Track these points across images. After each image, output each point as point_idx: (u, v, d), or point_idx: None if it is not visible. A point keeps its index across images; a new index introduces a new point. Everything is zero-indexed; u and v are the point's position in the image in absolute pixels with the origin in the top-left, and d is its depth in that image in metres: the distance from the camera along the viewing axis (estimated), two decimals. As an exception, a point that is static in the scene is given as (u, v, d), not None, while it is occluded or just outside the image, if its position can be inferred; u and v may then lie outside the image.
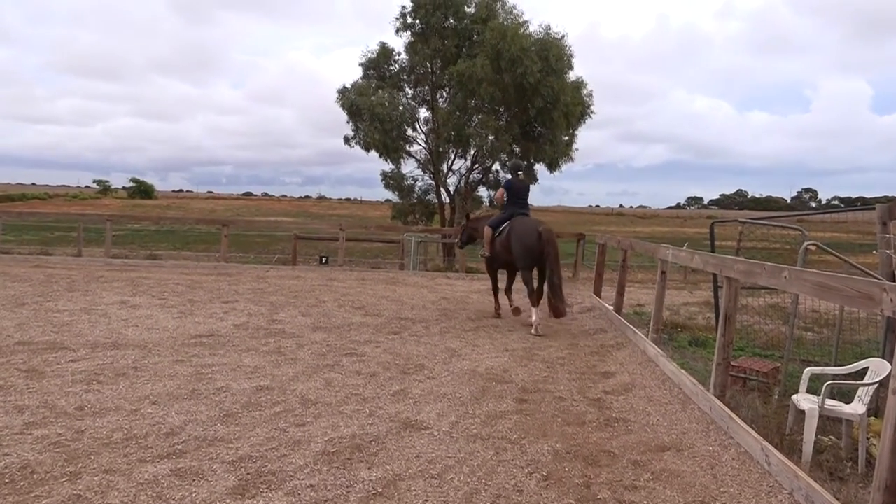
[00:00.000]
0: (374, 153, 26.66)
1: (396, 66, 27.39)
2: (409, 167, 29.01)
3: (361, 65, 27.32)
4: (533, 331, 9.09)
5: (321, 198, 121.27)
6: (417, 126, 27.78)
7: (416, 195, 28.65)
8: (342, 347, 7.59)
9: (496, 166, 27.89)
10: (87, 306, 9.64)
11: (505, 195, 10.06)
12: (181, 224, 35.25)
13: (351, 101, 25.65)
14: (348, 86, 26.51)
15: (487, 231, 10.18)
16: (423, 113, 28.06)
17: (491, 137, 25.27)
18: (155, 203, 73.69)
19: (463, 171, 28.37)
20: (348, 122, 26.53)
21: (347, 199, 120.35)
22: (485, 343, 8.26)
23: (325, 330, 8.62)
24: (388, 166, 27.97)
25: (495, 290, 10.72)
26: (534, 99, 24.07)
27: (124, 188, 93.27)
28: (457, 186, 28.38)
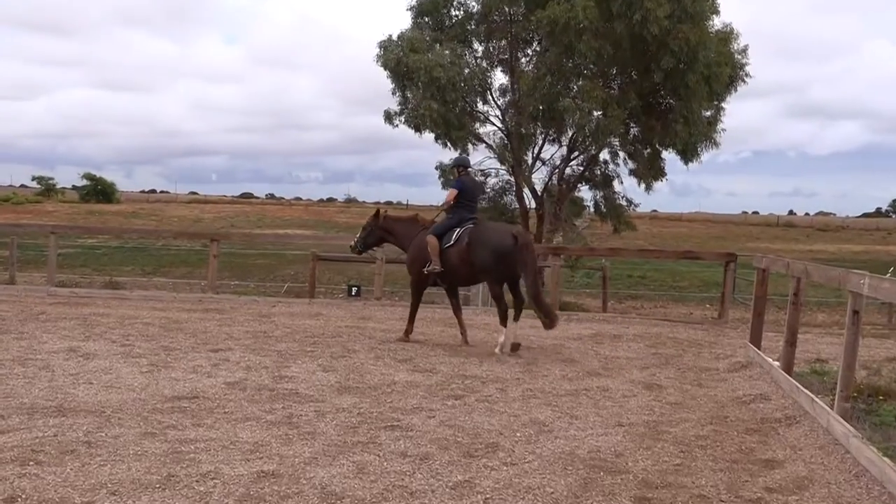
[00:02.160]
0: (427, 135, 26.74)
1: (461, 11, 27.50)
2: (478, 156, 29.01)
3: (411, 8, 27.49)
4: (498, 350, 11.25)
5: (350, 201, 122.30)
6: (491, 96, 27.85)
7: (487, 196, 28.64)
8: (380, 417, 7.62)
9: (605, 154, 27.76)
10: (21, 355, 9.92)
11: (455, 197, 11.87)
12: (153, 239, 36.14)
13: (397, 58, 25.69)
14: (394, 36, 26.56)
15: (433, 241, 11.75)
16: (499, 78, 28.11)
17: (597, 113, 25.12)
18: (117, 209, 75.65)
19: (556, 161, 28.35)
20: (393, 92, 26.62)
21: (388, 203, 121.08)
22: (588, 413, 8.17)
23: (356, 392, 8.68)
24: (447, 154, 28.03)
25: (415, 312, 12.60)
26: (660, 56, 23.88)
27: (75, 188, 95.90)
28: (546, 184, 28.36)
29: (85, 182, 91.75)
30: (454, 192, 12.11)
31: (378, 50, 26.28)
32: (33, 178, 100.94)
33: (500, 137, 28.03)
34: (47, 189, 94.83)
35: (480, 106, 27.84)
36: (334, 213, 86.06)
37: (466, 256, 11.52)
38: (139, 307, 14.91)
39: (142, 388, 8.44)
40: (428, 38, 26.32)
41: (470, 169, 12.30)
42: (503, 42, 27.69)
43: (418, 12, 27.41)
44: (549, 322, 11.39)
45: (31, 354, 9.99)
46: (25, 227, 29.37)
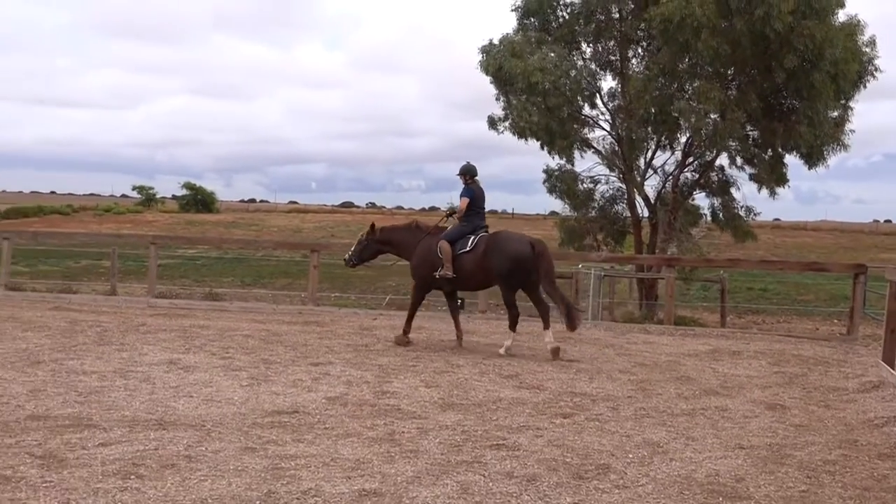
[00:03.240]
0: (532, 142, 26.73)
1: (567, 10, 27.41)
2: (586, 163, 28.85)
3: (516, 10, 27.52)
4: (503, 351, 12.31)
5: (454, 210, 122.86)
6: (599, 101, 27.68)
7: (596, 205, 28.48)
8: (485, 435, 7.63)
9: (722, 160, 27.28)
10: (123, 367, 10.24)
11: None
12: (253, 249, 36.82)
13: (499, 63, 25.79)
14: (496, 40, 26.67)
15: (446, 246, 12.54)
16: (608, 82, 27.93)
17: (714, 115, 24.72)
18: (217, 219, 77.38)
19: (669, 168, 28.00)
20: (497, 97, 26.73)
21: (492, 212, 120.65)
22: (705, 434, 8.04)
23: (460, 408, 8.71)
24: (554, 161, 27.96)
25: (413, 314, 13.32)
26: (782, 55, 23.37)
27: (174, 197, 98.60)
28: (660, 192, 28.01)
29: (184, 191, 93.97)
30: (466, 200, 12.85)
31: (480, 55, 26.42)
32: (133, 188, 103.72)
33: (610, 143, 27.81)
34: (147, 199, 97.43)
35: (588, 110, 27.67)
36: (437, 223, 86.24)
37: (483, 263, 12.35)
38: (239, 319, 15.22)
39: (242, 401, 8.61)
40: (533, 40, 26.27)
41: (476, 177, 13.06)
42: (611, 43, 27.50)
43: (523, 13, 27.40)
44: (574, 322, 12.44)
45: (131, 366, 10.29)
46: (126, 237, 30.38)
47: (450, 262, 12.47)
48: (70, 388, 8.95)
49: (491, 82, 26.42)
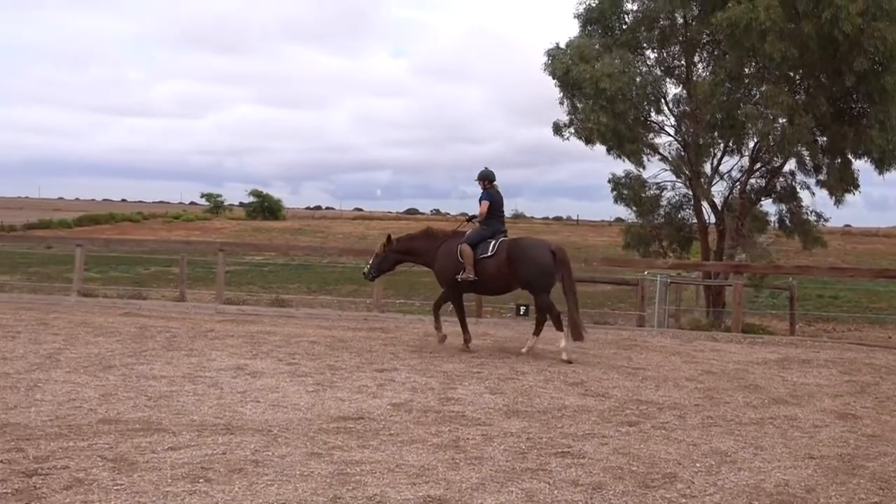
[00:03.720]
0: (598, 147, 26.62)
1: (630, 16, 27.29)
2: (652, 169, 28.68)
3: (578, 16, 27.46)
4: (565, 356, 12.29)
5: (518, 216, 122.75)
6: (664, 106, 27.48)
7: (663, 211, 28.27)
8: (550, 443, 7.60)
9: (790, 165, 26.87)
10: (191, 372, 10.39)
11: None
12: (319, 256, 37.12)
13: (566, 67, 25.69)
14: (562, 44, 26.56)
15: (467, 250, 12.80)
16: (673, 87, 27.72)
17: (782, 120, 24.40)
18: (283, 226, 78.21)
19: (736, 173, 27.66)
20: (561, 102, 26.66)
21: (557, 219, 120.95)
22: (775, 443, 7.92)
23: (525, 415, 8.69)
24: (620, 167, 27.95)
25: (463, 319, 13.65)
26: (852, 58, 22.96)
27: (242, 205, 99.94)
28: (726, 198, 27.68)
29: (252, 199, 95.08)
30: (487, 203, 13.15)
31: (546, 58, 26.33)
32: (202, 195, 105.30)
33: (676, 149, 27.58)
34: (215, 206, 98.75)
35: (654, 115, 27.49)
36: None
37: (506, 269, 12.72)
38: (305, 325, 15.35)
39: (308, 407, 8.68)
40: (597, 46, 26.17)
41: (495, 182, 13.44)
42: (676, 48, 27.29)
43: (585, 20, 27.33)
44: (580, 332, 12.74)
45: (200, 371, 10.44)
46: (195, 244, 30.78)
47: (471, 265, 12.77)
48: (140, 392, 9.10)
49: (556, 86, 26.33)
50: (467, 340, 13.31)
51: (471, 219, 13.87)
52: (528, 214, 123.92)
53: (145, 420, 7.87)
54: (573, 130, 26.65)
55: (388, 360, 11.80)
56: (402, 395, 9.47)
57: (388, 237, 14.09)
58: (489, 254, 12.80)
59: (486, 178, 13.40)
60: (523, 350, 12.90)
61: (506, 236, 13.21)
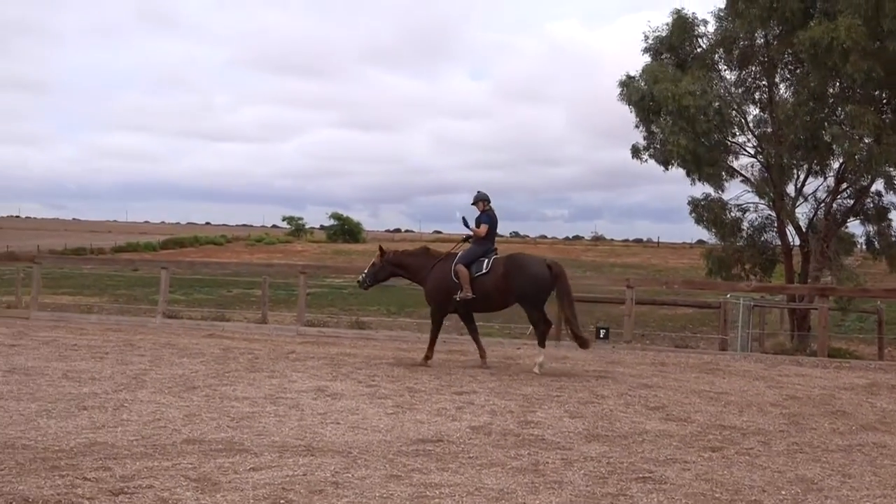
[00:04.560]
0: (677, 170, 26.46)
1: (703, 41, 27.11)
2: (733, 191, 28.31)
3: (647, 49, 27.41)
4: (536, 369, 12.90)
5: (598, 238, 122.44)
6: (745, 127, 27.18)
7: (745, 234, 27.91)
8: (631, 468, 7.51)
9: (878, 185, 26.32)
10: (273, 393, 10.50)
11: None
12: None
13: (641, 91, 25.64)
14: (633, 72, 26.61)
15: (463, 270, 13.25)
16: (754, 108, 27.42)
17: (868, 140, 23.95)
18: (363, 248, 78.85)
19: (821, 194, 27.18)
20: (637, 126, 26.62)
21: (637, 241, 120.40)
22: (863, 471, 7.72)
23: (605, 440, 8.60)
24: (699, 189, 27.58)
25: (435, 339, 13.97)
26: (940, 76, 22.54)
27: (322, 227, 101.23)
28: (811, 219, 27.21)
29: (332, 222, 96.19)
30: (486, 227, 13.69)
31: (619, 88, 26.44)
32: (283, 219, 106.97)
33: (758, 170, 27.25)
34: (297, 229, 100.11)
35: (734, 137, 27.21)
36: (580, 252, 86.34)
37: (504, 285, 13.25)
38: (384, 347, 15.44)
39: (387, 429, 8.70)
40: (670, 73, 26.03)
41: (490, 204, 14.00)
42: (756, 68, 27.01)
43: (656, 51, 27.30)
44: (585, 341, 13.55)
45: (281, 393, 10.54)
46: (277, 267, 31.15)
47: (468, 284, 13.22)
48: (223, 413, 9.22)
49: (631, 111, 26.34)
50: (428, 357, 13.70)
51: (467, 239, 14.18)
52: (607, 237, 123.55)
53: (228, 441, 7.96)
54: (651, 153, 26.60)
55: (468, 383, 11.79)
56: (482, 417, 9.45)
57: (381, 249, 14.58)
58: (484, 271, 13.33)
59: (483, 201, 13.95)
60: (535, 370, 13.07)
61: (496, 254, 13.68)
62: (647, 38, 27.37)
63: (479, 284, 13.27)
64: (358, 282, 14.68)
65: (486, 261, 13.41)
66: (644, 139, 26.70)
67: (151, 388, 10.60)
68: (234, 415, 9.14)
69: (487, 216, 13.82)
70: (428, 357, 13.69)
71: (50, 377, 11.22)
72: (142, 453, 7.40)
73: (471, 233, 13.82)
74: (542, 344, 13.41)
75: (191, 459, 7.23)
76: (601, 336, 18.09)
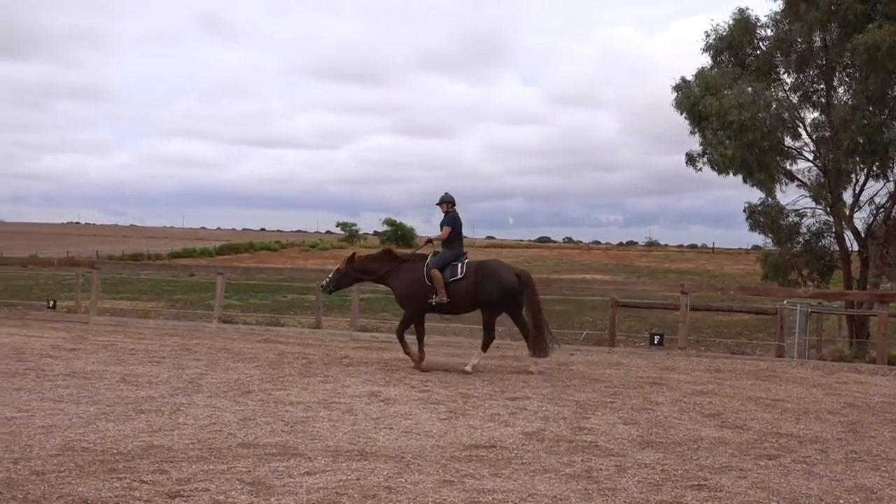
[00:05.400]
0: (732, 176, 26.25)
1: (763, 44, 26.86)
2: (790, 196, 27.97)
3: (708, 48, 27.22)
4: (469, 368, 13.28)
5: (652, 244, 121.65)
6: (803, 131, 26.87)
7: (802, 239, 27.57)
8: (686, 475, 7.45)
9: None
10: (326, 398, 10.57)
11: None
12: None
13: (692, 100, 25.53)
14: (689, 77, 26.45)
15: (437, 274, 13.36)
16: (811, 112, 27.10)
17: (928, 145, 23.58)
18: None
19: (881, 200, 26.76)
20: (692, 132, 26.46)
21: (692, 247, 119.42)
22: (924, 481, 7.58)
23: (659, 447, 8.54)
24: (755, 195, 27.34)
25: (422, 340, 14.08)
26: None
27: (376, 233, 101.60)
28: (870, 224, 26.79)
29: (386, 227, 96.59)
30: (448, 229, 13.81)
31: (673, 93, 26.34)
32: (337, 224, 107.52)
33: (815, 175, 26.92)
34: (351, 235, 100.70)
35: (790, 141, 26.92)
36: (634, 258, 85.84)
37: (473, 291, 13.43)
38: (437, 353, 15.43)
39: (440, 434, 8.71)
40: (727, 76, 25.82)
41: (455, 206, 14.10)
42: (814, 72, 26.69)
43: (716, 49, 27.10)
44: (546, 349, 13.54)
45: (335, 398, 10.61)
46: (330, 272, 31.26)
47: (443, 288, 13.38)
48: (277, 417, 9.29)
49: (685, 118, 26.22)
50: (421, 358, 13.80)
51: (429, 241, 14.46)
52: (662, 242, 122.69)
53: (282, 445, 8.02)
54: (706, 160, 26.45)
55: (520, 389, 11.78)
56: (535, 423, 9.43)
57: (353, 255, 14.64)
58: (459, 276, 13.50)
59: (448, 202, 14.06)
60: (468, 368, 13.43)
61: (467, 258, 13.87)
62: (707, 36, 27.19)
63: (453, 289, 13.46)
64: (322, 286, 14.80)
65: (460, 265, 13.61)
66: (699, 145, 26.53)
67: (207, 393, 10.72)
68: (289, 419, 9.21)
69: (451, 218, 13.93)
70: (415, 356, 13.81)
71: (108, 381, 11.40)
72: (197, 457, 7.49)
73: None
74: (484, 348, 13.83)
75: (246, 463, 7.30)
76: (655, 342, 17.94)
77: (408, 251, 14.78)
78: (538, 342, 13.46)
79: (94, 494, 6.25)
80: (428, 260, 13.77)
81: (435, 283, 13.41)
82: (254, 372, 12.58)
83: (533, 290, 13.71)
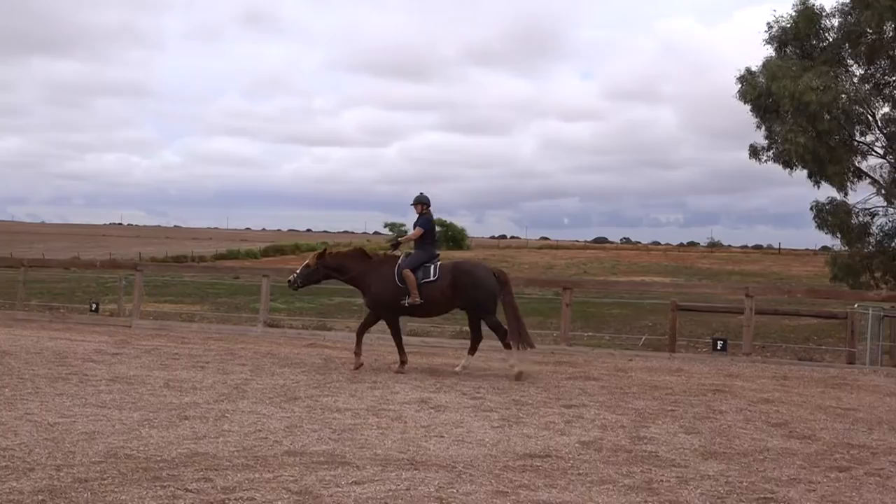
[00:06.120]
0: (798, 172, 26.01)
1: (829, 35, 26.54)
2: (860, 194, 27.72)
3: (771, 39, 26.96)
4: (458, 369, 13.79)
5: (714, 245, 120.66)
6: (872, 125, 26.53)
7: (873, 239, 27.23)
8: (751, 488, 7.36)
9: None
10: (375, 405, 10.59)
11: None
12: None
13: (759, 89, 25.26)
14: (754, 68, 26.21)
15: (410, 275, 13.52)
16: (883, 105, 26.76)
17: None
18: (468, 255, 78.99)
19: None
20: (757, 125, 26.24)
21: (756, 247, 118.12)
22: None
23: (723, 458, 8.45)
24: (823, 193, 27.07)
25: (400, 342, 14.21)
26: None
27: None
28: (946, 224, 26.42)
29: (436, 228, 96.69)
30: (421, 230, 14.10)
31: (737, 84, 26.11)
32: (385, 225, 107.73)
33: (888, 171, 26.57)
34: (399, 236, 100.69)
35: (860, 136, 26.62)
36: (696, 259, 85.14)
37: (450, 293, 13.69)
38: (489, 358, 15.41)
39: (493, 443, 8.69)
40: (794, 67, 25.52)
41: (430, 207, 14.41)
42: (885, 62, 26.36)
43: (780, 41, 26.82)
44: (529, 343, 13.86)
45: (384, 405, 10.63)
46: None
47: (415, 289, 13.53)
48: (324, 424, 9.33)
49: (750, 110, 25.99)
50: (404, 362, 13.99)
51: (397, 244, 15.04)
52: (725, 242, 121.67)
53: (329, 453, 8.05)
54: (771, 154, 26.18)
55: (577, 396, 11.73)
56: (592, 432, 9.38)
57: (325, 251, 15.01)
58: (432, 278, 13.70)
59: (423, 204, 14.35)
60: (457, 369, 13.92)
61: (439, 260, 14.11)
62: (770, 27, 26.97)
63: (427, 291, 13.61)
64: (289, 282, 14.77)
65: (433, 267, 13.80)
66: (764, 138, 26.32)
67: (252, 399, 10.79)
68: (336, 426, 9.24)
69: (425, 219, 14.23)
70: (403, 362, 14.00)
71: (152, 386, 11.52)
72: (243, 465, 7.53)
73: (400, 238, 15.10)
74: (507, 346, 13.80)
75: (292, 472, 7.33)
76: (718, 347, 17.78)
77: (378, 253, 15.15)
78: (523, 334, 13.77)
79: (137, 503, 6.31)
80: (399, 261, 13.92)
81: (408, 284, 13.56)
82: (300, 377, 12.65)
83: (509, 290, 14.02)
